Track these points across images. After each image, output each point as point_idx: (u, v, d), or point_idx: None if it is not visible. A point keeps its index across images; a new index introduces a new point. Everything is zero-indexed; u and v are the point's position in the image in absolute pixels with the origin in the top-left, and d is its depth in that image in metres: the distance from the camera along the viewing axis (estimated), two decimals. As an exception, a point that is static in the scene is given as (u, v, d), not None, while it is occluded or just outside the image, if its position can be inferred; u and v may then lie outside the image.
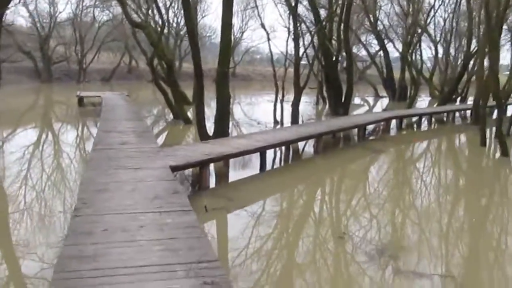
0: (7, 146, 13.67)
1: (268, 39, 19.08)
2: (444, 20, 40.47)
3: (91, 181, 6.68)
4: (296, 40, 19.01)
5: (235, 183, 9.68)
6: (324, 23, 21.41)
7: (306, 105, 28.19)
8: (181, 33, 51.42)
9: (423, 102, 37.52)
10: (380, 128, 17.78)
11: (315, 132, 12.68)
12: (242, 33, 64.97)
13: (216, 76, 13.25)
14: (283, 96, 19.49)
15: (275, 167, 11.69)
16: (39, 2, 48.70)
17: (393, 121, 18.11)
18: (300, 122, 19.71)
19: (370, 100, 39.21)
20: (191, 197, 8.19)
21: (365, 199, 9.43)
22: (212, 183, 9.31)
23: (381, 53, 40.53)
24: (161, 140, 15.68)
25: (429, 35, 40.50)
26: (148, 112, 26.28)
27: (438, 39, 41.51)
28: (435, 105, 32.99)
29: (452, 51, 42.74)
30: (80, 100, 24.77)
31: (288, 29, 19.52)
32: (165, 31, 33.23)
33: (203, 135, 13.08)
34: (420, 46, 38.77)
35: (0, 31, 12.72)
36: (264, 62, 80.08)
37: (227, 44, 13.20)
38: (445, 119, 22.70)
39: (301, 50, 20.97)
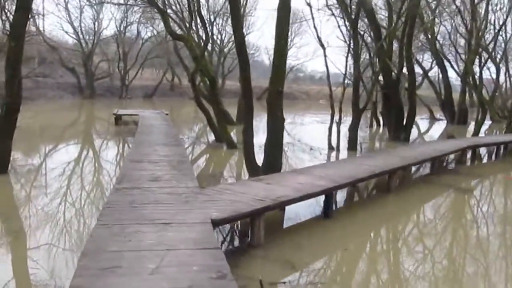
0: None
1: (325, 55, 16.89)
2: (506, 41, 37.44)
3: (98, 249, 4.61)
4: (356, 57, 16.78)
5: (293, 235, 7.44)
6: (385, 39, 19.09)
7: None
8: (225, 50, 50.13)
9: (483, 126, 34.47)
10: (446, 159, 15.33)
11: (388, 166, 10.35)
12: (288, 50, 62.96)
13: (268, 96, 11.14)
14: (340, 118, 17.21)
15: (338, 207, 9.44)
16: (84, 18, 48.19)
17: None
18: (358, 148, 17.43)
19: (423, 122, 36.33)
20: (238, 260, 6.07)
21: (471, 258, 7.07)
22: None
23: (438, 72, 37.68)
24: (200, 167, 13.66)
25: (490, 56, 37.50)
26: (188, 130, 24.58)
27: (499, 59, 38.43)
28: (495, 131, 30.18)
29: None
30: (117, 118, 23.17)
31: (349, 45, 17.27)
32: (208, 47, 31.61)
33: (252, 168, 11.01)
34: (481, 67, 35.92)
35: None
36: (307, 81, 78.23)
37: (282, 59, 11.11)
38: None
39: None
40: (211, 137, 18.90)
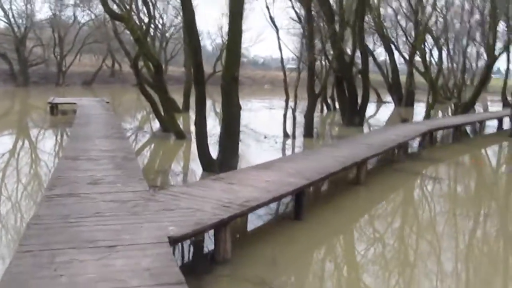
0: None
1: (278, 38, 15.81)
2: (447, 24, 37.45)
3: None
4: (310, 39, 15.74)
5: (263, 243, 6.31)
6: (339, 20, 18.23)
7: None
8: (167, 34, 48.32)
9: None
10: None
11: (356, 156, 9.45)
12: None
13: (223, 82, 10.02)
14: (295, 104, 16.20)
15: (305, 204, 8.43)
16: (15, 0, 44.88)
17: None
18: (314, 135, 16.58)
19: (370, 106, 35.88)
20: (202, 282, 4.95)
21: (457, 249, 6.26)
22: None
23: (386, 55, 37.48)
24: (146, 161, 12.30)
25: (433, 37, 37.62)
26: (131, 119, 23.06)
27: (442, 40, 38.59)
28: (440, 112, 30.30)
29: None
30: (53, 107, 21.28)
31: (304, 27, 16.18)
32: (150, 31, 29.85)
33: (206, 162, 9.93)
34: (428, 49, 36.04)
35: None
36: (250, 65, 77.24)
37: (237, 41, 9.98)
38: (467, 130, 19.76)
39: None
40: (155, 125, 17.67)
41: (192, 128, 18.74)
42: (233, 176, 7.30)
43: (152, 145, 15.17)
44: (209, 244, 6.05)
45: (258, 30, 61.80)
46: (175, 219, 5.06)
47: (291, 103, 16.66)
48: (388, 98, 37.47)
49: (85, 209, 5.32)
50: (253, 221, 7.18)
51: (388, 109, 33.81)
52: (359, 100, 20.56)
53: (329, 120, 25.01)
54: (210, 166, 10.19)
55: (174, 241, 4.58)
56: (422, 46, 32.32)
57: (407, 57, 37.26)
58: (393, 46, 36.94)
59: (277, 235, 6.62)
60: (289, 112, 16.23)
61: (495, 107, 35.89)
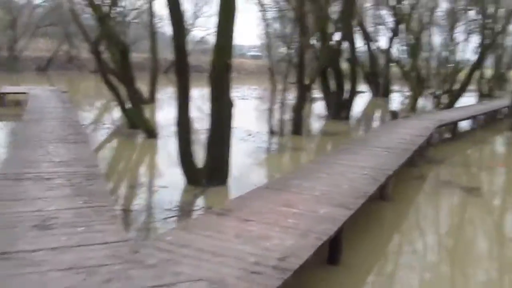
0: None
1: (265, 20, 13.75)
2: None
3: None
4: (302, 22, 13.68)
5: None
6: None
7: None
8: (127, 19, 45.48)
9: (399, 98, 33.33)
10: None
11: (385, 168, 7.46)
12: (196, 19, 59.76)
13: (212, 71, 7.95)
14: (283, 97, 14.15)
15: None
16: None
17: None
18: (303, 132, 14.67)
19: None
20: None
21: None
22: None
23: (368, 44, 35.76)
24: (110, 168, 10.00)
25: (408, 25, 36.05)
26: (90, 108, 20.73)
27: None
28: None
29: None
30: (0, 97, 18.59)
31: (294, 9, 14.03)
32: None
33: (190, 173, 7.95)
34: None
35: None
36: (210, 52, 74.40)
37: (230, 20, 7.92)
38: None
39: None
40: (115, 115, 15.71)
41: (158, 119, 16.73)
42: (244, 206, 5.17)
43: (117, 146, 12.91)
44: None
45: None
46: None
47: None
48: (362, 88, 36.00)
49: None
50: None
51: (362, 99, 32.23)
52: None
53: (312, 113, 23.08)
54: (195, 177, 8.13)
55: None
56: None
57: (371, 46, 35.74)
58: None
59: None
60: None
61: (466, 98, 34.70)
